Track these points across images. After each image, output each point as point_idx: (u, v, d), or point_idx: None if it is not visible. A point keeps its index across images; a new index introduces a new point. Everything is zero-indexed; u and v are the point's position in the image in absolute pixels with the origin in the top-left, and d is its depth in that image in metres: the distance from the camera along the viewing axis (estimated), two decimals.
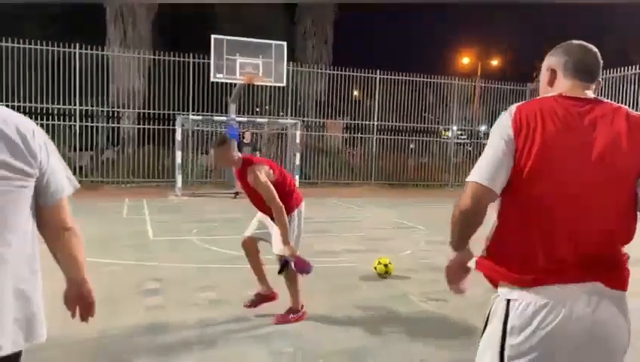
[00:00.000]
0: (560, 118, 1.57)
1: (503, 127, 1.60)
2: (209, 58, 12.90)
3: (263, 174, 3.89)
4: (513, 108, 1.63)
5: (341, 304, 4.74)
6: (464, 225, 1.69)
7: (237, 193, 12.70)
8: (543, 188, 1.54)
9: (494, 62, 27.78)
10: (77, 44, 13.87)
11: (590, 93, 1.67)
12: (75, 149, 14.43)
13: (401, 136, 17.67)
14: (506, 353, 1.57)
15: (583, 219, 1.54)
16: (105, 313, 4.18)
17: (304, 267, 4.01)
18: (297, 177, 13.95)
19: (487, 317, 1.69)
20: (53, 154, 1.60)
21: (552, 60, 1.73)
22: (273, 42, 12.68)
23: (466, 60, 27.67)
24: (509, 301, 1.59)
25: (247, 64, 12.27)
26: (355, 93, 17.88)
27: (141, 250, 6.65)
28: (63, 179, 1.63)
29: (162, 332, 3.86)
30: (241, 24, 17.87)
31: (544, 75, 1.76)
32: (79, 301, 1.76)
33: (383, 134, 17.63)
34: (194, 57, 14.85)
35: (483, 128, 19.93)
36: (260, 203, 4.01)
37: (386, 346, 3.74)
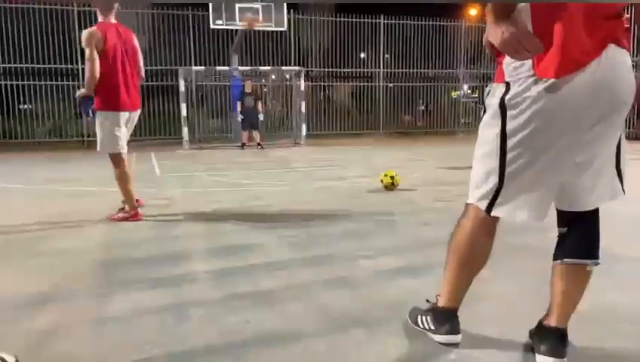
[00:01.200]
0: None
1: None
2: (208, 11, 12.62)
3: (91, 38, 3.84)
4: None
5: (345, 205, 4.70)
6: None
7: (244, 144, 12.66)
8: None
9: None
10: (74, 3, 13.67)
11: None
12: (80, 116, 14.37)
13: (409, 83, 17.35)
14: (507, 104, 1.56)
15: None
16: (113, 223, 4.21)
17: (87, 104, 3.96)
18: (304, 127, 13.82)
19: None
20: None
21: None
22: None
23: (473, 12, 26.90)
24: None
25: (246, 9, 12.00)
26: (362, 55, 17.48)
27: (148, 183, 6.66)
28: None
29: (169, 229, 3.87)
30: None
31: None
32: None
33: (390, 82, 17.33)
34: (192, 10, 14.58)
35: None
36: None
37: (392, 229, 3.71)
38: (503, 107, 1.57)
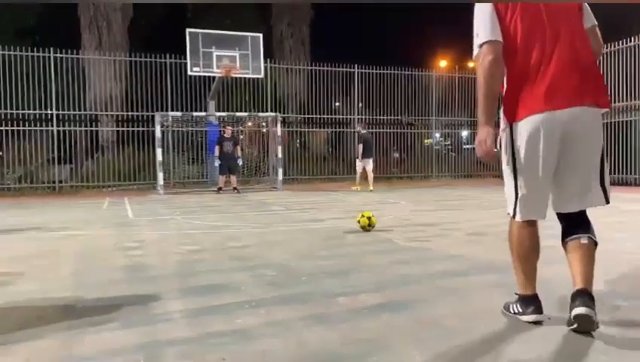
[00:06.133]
0: None
1: None
2: (185, 58, 12.86)
3: None
4: None
5: (324, 246, 4.70)
6: (489, 80, 2.20)
7: (220, 188, 12.62)
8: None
9: (471, 65, 28.15)
10: (51, 49, 13.75)
11: None
12: (53, 162, 14.09)
13: (383, 129, 17.75)
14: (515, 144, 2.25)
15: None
16: (83, 265, 4.08)
17: None
18: (281, 172, 13.89)
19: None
20: None
21: None
22: (249, 34, 12.72)
23: (443, 63, 28.10)
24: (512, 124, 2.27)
25: (223, 57, 12.26)
26: (337, 104, 17.94)
27: (121, 226, 6.53)
28: None
29: (142, 271, 3.77)
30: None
31: None
32: None
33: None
34: (170, 57, 14.82)
35: (465, 134, 20.11)
36: None
37: (370, 268, 3.70)
38: (512, 141, 2.26)
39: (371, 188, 12.53)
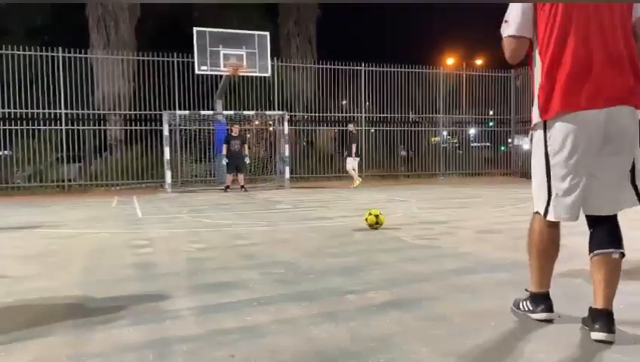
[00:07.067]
0: None
1: None
2: (193, 57, 12.91)
3: None
4: None
5: (332, 244, 4.69)
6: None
7: (227, 187, 12.64)
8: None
9: (479, 62, 28.01)
10: (60, 48, 13.84)
11: None
12: (62, 161, 14.21)
13: (390, 127, 17.69)
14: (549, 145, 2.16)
15: None
16: (92, 263, 4.11)
17: None
18: (288, 170, 13.89)
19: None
20: None
21: None
22: (256, 33, 12.72)
23: (450, 61, 27.99)
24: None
25: (230, 55, 12.28)
26: (344, 102, 17.96)
27: (130, 224, 6.56)
28: None
29: (152, 269, 3.79)
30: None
31: None
32: None
33: (372, 126, 17.67)
34: (178, 56, 14.86)
35: (472, 131, 20.01)
36: None
37: (379, 266, 3.68)
38: (545, 139, 2.17)
39: (356, 184, 13.17)
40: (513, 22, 2.21)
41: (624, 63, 2.06)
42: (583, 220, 2.26)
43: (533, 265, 2.37)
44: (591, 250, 2.18)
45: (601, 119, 2.05)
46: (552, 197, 2.18)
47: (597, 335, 2.10)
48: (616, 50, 2.06)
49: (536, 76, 2.22)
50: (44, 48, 13.75)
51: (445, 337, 2.21)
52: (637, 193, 2.15)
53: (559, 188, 2.16)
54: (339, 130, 17.95)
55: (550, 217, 2.21)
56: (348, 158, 13.23)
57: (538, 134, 2.21)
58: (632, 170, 2.14)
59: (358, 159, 13.52)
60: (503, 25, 2.26)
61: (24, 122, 13.80)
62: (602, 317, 2.11)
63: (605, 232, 2.17)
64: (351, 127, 13.71)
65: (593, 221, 2.22)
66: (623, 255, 2.14)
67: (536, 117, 2.21)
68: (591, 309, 2.18)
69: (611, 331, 2.09)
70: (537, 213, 2.29)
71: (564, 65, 2.08)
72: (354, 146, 13.03)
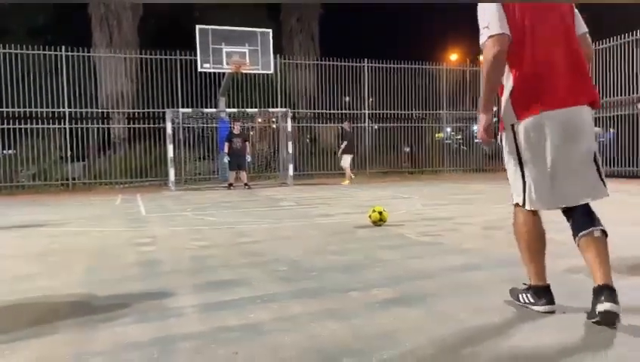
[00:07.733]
0: None
1: None
2: (195, 55, 12.90)
3: None
4: None
5: (335, 241, 4.68)
6: (496, 71, 2.29)
7: (231, 184, 12.65)
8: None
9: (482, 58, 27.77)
10: (63, 47, 13.86)
11: None
12: (66, 159, 14.21)
13: (394, 123, 17.65)
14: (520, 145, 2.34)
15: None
16: (96, 261, 4.12)
17: None
18: (291, 167, 13.89)
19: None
20: None
21: None
22: (259, 30, 12.71)
23: (454, 57, 27.82)
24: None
25: (233, 53, 12.27)
26: (347, 99, 17.94)
27: (134, 222, 6.58)
28: None
29: (155, 266, 3.79)
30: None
31: None
32: None
33: (375, 123, 17.64)
34: (180, 54, 14.86)
35: (476, 128, 19.91)
36: None
37: (382, 262, 3.68)
38: (515, 138, 2.36)
39: (346, 182, 13.25)
40: (492, 22, 2.28)
41: (580, 69, 2.33)
42: None
43: (526, 258, 2.46)
44: (575, 235, 2.31)
45: (563, 118, 2.27)
46: (527, 186, 2.36)
47: (603, 306, 2.13)
48: (573, 57, 2.33)
49: (505, 79, 2.37)
50: (47, 47, 13.78)
51: (449, 333, 2.21)
52: (605, 186, 2.34)
53: (531, 178, 2.34)
54: (342, 127, 17.92)
55: (527, 206, 2.38)
56: (344, 156, 13.36)
57: (508, 135, 2.40)
58: (596, 165, 2.33)
59: (350, 156, 13.64)
60: (484, 31, 2.32)
61: (28, 121, 13.84)
62: (605, 291, 2.16)
63: (580, 217, 2.32)
64: (346, 125, 13.79)
65: (568, 212, 2.37)
66: (604, 232, 2.26)
67: (505, 118, 2.39)
68: (594, 289, 2.23)
69: (616, 302, 2.14)
70: (517, 204, 2.45)
71: (531, 72, 2.29)
72: (344, 143, 13.25)
